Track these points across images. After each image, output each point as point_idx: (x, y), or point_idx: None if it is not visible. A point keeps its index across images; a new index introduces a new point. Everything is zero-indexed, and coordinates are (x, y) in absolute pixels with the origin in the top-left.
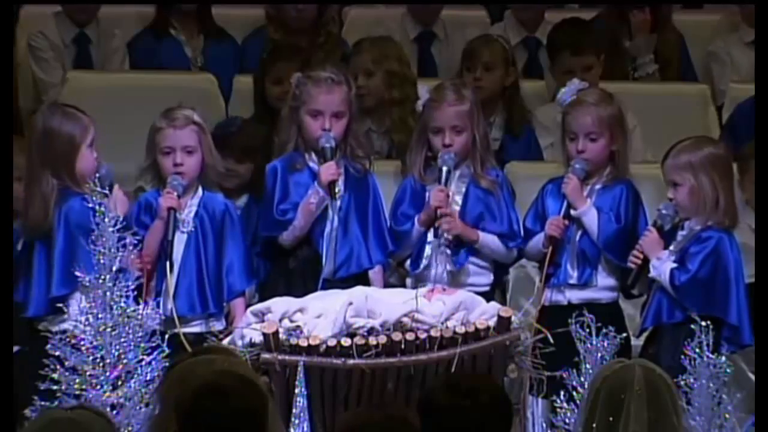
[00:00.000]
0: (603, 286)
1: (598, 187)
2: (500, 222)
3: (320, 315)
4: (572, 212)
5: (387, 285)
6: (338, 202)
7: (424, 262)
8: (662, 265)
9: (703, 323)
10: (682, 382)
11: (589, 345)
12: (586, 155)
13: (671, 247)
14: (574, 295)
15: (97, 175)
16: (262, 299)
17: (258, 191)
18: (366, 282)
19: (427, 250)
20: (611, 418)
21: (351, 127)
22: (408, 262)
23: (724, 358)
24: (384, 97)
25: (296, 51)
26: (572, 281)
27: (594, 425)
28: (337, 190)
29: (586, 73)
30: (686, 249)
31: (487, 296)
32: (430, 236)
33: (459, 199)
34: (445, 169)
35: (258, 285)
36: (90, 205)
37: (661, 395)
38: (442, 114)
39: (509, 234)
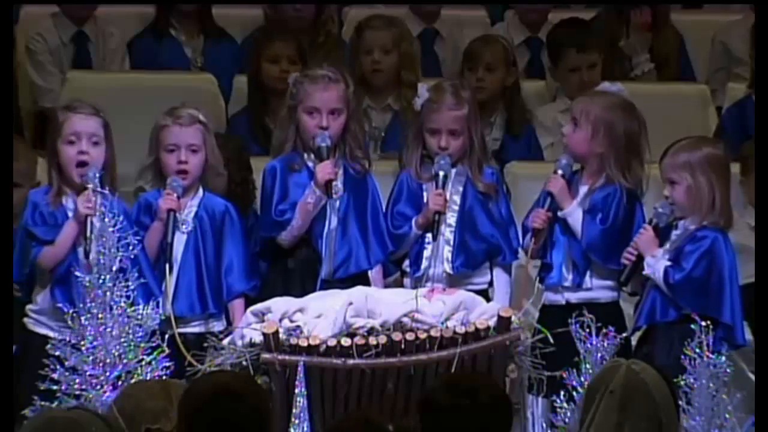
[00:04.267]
0: (600, 286)
1: (595, 187)
2: (502, 236)
3: (320, 315)
4: (558, 213)
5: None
6: (337, 203)
7: (424, 263)
8: (656, 263)
9: (703, 323)
10: (682, 382)
11: (589, 345)
12: (565, 139)
13: (666, 246)
14: (572, 296)
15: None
16: (261, 299)
17: (239, 200)
18: (365, 282)
19: (426, 251)
20: (584, 415)
21: (349, 126)
22: (406, 263)
23: (724, 358)
24: (396, 76)
25: (292, 31)
26: (567, 284)
27: (586, 424)
28: (335, 190)
29: (591, 70)
30: (681, 248)
31: (486, 295)
32: (428, 237)
33: (457, 199)
34: (441, 173)
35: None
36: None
37: (634, 400)
38: (440, 117)
39: (507, 251)
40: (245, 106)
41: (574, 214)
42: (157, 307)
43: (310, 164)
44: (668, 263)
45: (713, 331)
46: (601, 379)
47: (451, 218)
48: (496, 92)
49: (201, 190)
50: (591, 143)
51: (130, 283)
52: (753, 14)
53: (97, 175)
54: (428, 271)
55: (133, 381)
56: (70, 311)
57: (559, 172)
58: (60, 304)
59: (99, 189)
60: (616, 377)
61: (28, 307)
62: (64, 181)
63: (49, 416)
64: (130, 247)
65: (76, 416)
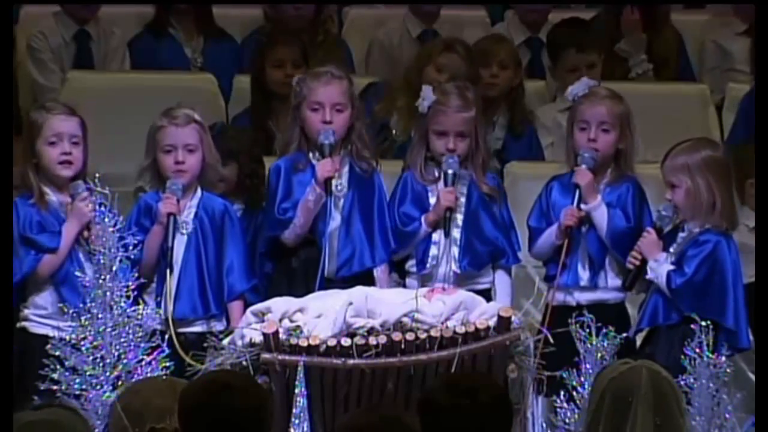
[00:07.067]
0: (612, 286)
1: (602, 186)
2: (502, 235)
3: (320, 315)
4: (583, 206)
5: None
6: (341, 201)
7: (431, 262)
8: (659, 267)
9: (704, 323)
10: (682, 382)
11: (589, 345)
12: (596, 145)
13: (671, 249)
14: (584, 297)
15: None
16: (264, 299)
17: (248, 194)
18: (370, 281)
19: (433, 250)
20: (618, 421)
21: (354, 125)
22: (412, 262)
23: (724, 358)
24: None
25: (296, 36)
26: (583, 283)
27: (600, 427)
28: (336, 187)
29: (590, 70)
30: (684, 251)
31: (487, 295)
32: (435, 236)
33: (463, 200)
34: (450, 171)
35: (262, 286)
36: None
37: (666, 398)
38: (448, 119)
39: (504, 252)
40: (247, 108)
41: (599, 209)
42: (158, 307)
43: (315, 162)
44: (671, 267)
45: (715, 333)
46: (624, 384)
47: (459, 218)
48: (505, 90)
49: (199, 190)
50: (618, 142)
51: (129, 283)
52: (736, 18)
53: (85, 187)
54: (437, 270)
55: (139, 378)
56: (80, 309)
57: (583, 166)
58: (69, 304)
59: (98, 190)
60: (643, 381)
61: (27, 311)
62: (43, 181)
63: (25, 421)
64: (130, 247)
65: (57, 417)
